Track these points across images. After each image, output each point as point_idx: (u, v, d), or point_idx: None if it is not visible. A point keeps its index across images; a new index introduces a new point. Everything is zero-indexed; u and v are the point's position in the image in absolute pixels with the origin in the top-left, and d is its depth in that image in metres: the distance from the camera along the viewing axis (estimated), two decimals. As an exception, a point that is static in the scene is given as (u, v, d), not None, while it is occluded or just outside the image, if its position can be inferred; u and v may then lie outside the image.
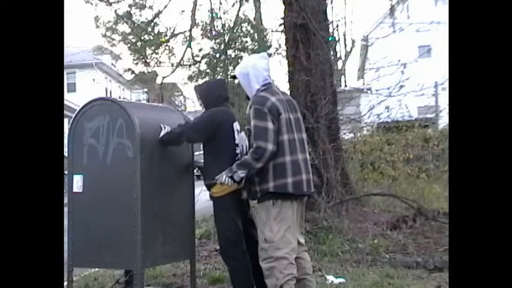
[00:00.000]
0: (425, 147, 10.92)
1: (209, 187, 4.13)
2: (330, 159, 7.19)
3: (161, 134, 4.27)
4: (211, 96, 4.33)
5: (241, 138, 4.22)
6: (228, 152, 4.10)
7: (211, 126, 4.15)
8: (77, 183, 4.31)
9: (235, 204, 4.07)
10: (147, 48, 10.73)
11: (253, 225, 4.25)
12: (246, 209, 4.27)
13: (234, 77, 4.17)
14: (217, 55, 11.02)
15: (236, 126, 4.22)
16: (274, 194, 3.76)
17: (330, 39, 8.12)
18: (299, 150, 3.84)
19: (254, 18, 11.94)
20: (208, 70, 11.52)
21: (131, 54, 11.19)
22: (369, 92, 10.76)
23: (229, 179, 3.86)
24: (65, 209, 3.59)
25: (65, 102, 17.96)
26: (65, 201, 3.64)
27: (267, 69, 4.02)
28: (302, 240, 3.98)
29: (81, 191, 4.29)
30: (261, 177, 3.78)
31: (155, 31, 10.76)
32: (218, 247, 6.52)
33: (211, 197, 4.15)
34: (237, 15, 10.63)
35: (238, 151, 4.15)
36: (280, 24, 8.12)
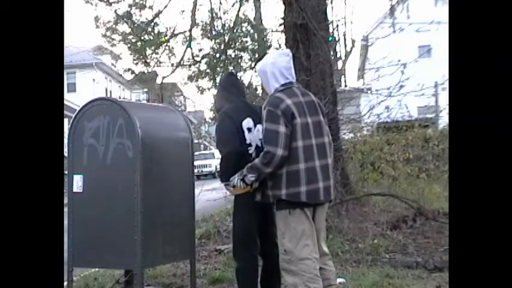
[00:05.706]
0: (425, 147, 10.87)
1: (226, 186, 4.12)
2: (331, 159, 7.17)
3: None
4: (220, 94, 4.26)
5: (254, 136, 4.02)
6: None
7: (228, 131, 4.00)
8: (77, 183, 4.31)
9: (252, 204, 3.93)
10: (147, 48, 10.72)
11: (274, 223, 4.08)
12: (268, 207, 4.21)
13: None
14: (217, 55, 11.01)
15: (247, 124, 4.03)
16: (288, 203, 3.62)
17: (330, 39, 8.10)
18: (317, 157, 3.64)
19: (254, 18, 11.93)
20: (208, 70, 11.52)
21: (131, 54, 11.18)
22: (369, 92, 10.76)
23: (241, 182, 3.77)
24: (65, 209, 3.59)
25: (65, 102, 17.97)
26: (65, 201, 3.64)
27: (288, 68, 3.82)
28: (326, 249, 3.83)
29: (81, 191, 4.30)
30: (273, 182, 3.65)
31: (155, 31, 10.75)
32: (218, 247, 6.58)
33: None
34: (237, 15, 10.63)
35: (251, 151, 3.98)
36: (280, 24, 8.11)
